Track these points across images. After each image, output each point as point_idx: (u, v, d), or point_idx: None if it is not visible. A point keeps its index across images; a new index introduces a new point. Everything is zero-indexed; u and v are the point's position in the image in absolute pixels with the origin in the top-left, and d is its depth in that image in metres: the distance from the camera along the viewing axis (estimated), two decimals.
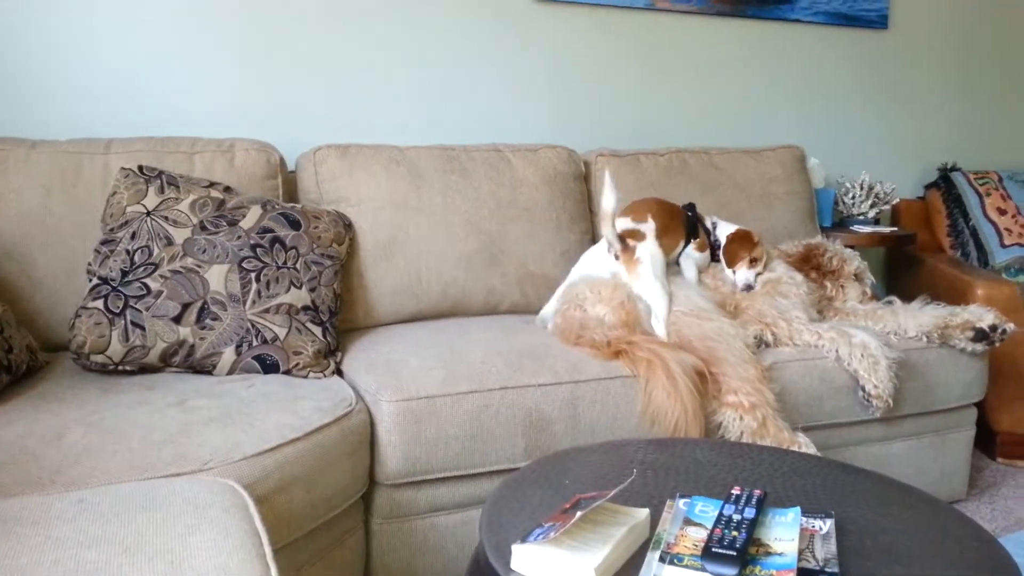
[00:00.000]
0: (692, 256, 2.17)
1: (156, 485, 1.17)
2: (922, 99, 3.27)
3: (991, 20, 3.32)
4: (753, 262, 2.16)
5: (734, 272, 2.16)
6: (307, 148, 2.25)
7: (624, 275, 2.00)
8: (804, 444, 1.81)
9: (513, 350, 1.84)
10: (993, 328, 2.10)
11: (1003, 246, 2.96)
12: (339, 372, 1.83)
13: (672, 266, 2.14)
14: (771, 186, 2.65)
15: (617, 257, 2.01)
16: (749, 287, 2.14)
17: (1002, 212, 3.03)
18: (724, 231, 2.23)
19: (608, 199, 1.96)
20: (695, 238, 2.18)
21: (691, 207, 2.23)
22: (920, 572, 1.09)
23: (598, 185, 2.50)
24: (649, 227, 2.05)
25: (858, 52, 3.13)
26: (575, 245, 2.34)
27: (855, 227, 2.85)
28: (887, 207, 2.92)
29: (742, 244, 2.18)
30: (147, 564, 0.93)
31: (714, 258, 2.23)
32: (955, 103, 3.33)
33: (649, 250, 2.00)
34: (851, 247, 2.41)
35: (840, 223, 2.92)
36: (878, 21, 3.11)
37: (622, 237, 2.02)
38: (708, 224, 2.25)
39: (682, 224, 2.17)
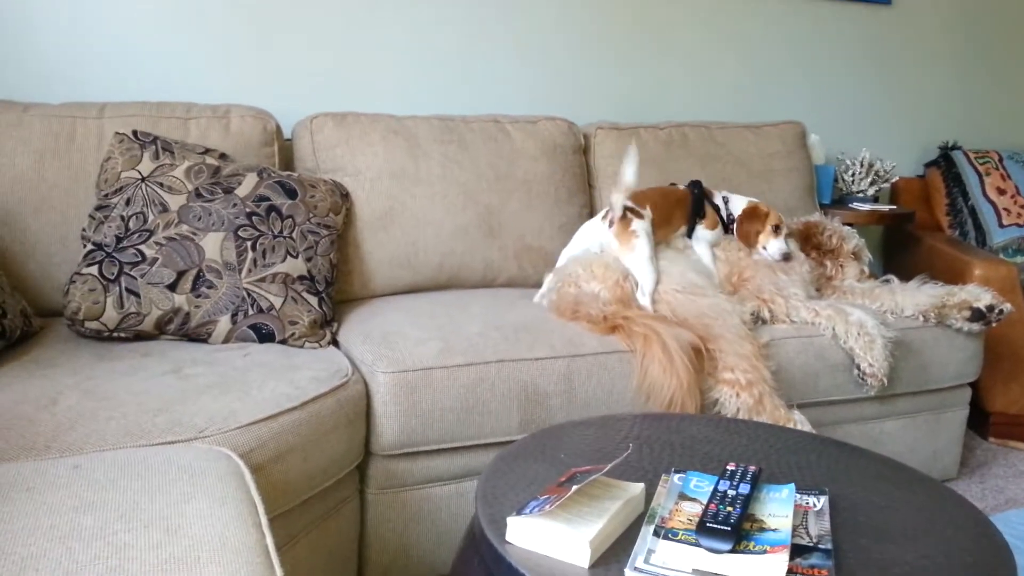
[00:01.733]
0: (703, 236, 2.15)
1: (151, 452, 1.17)
2: (924, 77, 3.25)
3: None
4: (776, 230, 2.14)
5: (764, 249, 2.14)
6: (304, 116, 2.22)
7: (614, 245, 1.99)
8: (799, 422, 1.82)
9: (510, 323, 1.83)
10: (990, 308, 2.10)
11: (1001, 226, 2.96)
12: (335, 343, 1.83)
13: (673, 245, 2.13)
14: (771, 162, 2.64)
15: (611, 225, 2.00)
16: (787, 256, 2.12)
17: (1001, 192, 3.02)
18: (737, 205, 2.21)
19: (629, 172, 1.95)
20: (701, 216, 2.16)
21: (697, 184, 2.21)
22: (913, 550, 1.10)
23: (597, 159, 2.48)
24: (647, 213, 2.03)
25: (861, 28, 3.10)
26: (573, 218, 2.33)
27: (854, 204, 2.84)
28: (887, 185, 2.91)
29: (752, 220, 2.16)
30: (143, 531, 0.93)
31: (728, 231, 2.21)
32: (957, 81, 3.30)
33: (645, 228, 1.99)
34: (850, 225, 2.41)
35: (839, 200, 2.91)
36: None
37: (626, 208, 2.01)
38: (719, 200, 2.22)
39: (684, 211, 2.14)
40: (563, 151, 2.38)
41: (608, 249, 2.01)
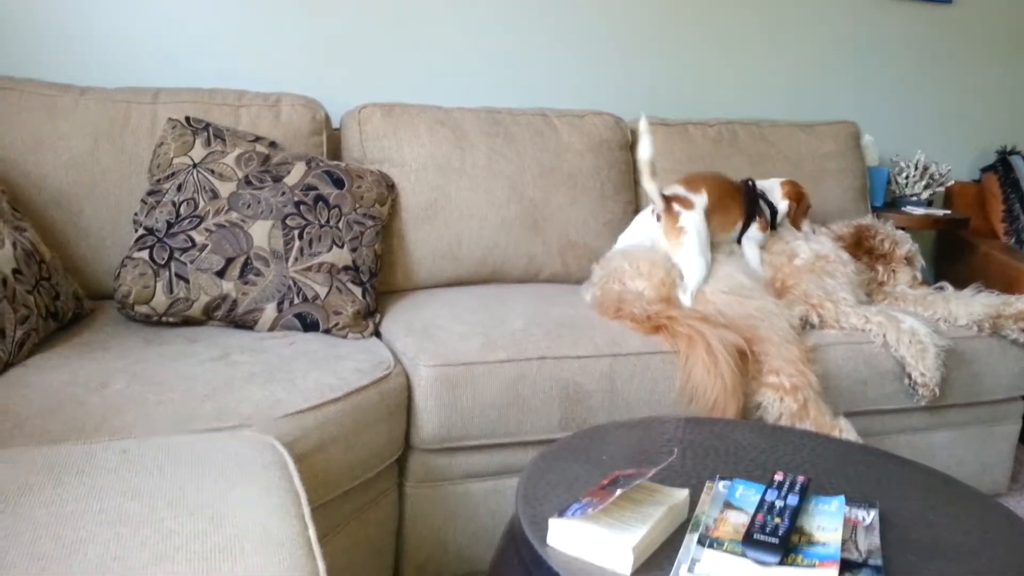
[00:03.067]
0: (754, 237, 2.12)
1: (198, 439, 1.18)
2: (983, 78, 3.15)
3: None
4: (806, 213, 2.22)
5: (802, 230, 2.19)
6: (352, 106, 2.23)
7: (663, 241, 1.96)
8: (845, 429, 1.78)
9: (552, 320, 1.82)
10: None
11: None
12: (378, 334, 1.83)
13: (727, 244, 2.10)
14: (823, 162, 2.58)
15: (659, 218, 1.97)
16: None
17: None
18: (773, 193, 2.19)
19: (644, 147, 1.92)
20: (758, 216, 2.12)
21: (750, 183, 2.17)
22: (964, 568, 1.06)
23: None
24: (700, 199, 2.00)
25: (919, 27, 3.02)
26: (618, 215, 2.30)
27: (907, 208, 2.77)
28: (941, 189, 2.83)
29: (803, 201, 2.20)
30: (188, 519, 0.94)
31: (772, 226, 2.18)
32: (1017, 83, 3.20)
33: (694, 221, 1.96)
34: (902, 229, 2.35)
35: (892, 203, 2.85)
36: None
37: (668, 199, 1.97)
38: (764, 195, 2.18)
39: (740, 205, 2.10)
40: (609, 146, 2.36)
41: (658, 245, 1.98)
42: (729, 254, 2.07)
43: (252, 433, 1.27)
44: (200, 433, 1.25)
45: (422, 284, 2.14)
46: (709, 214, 1.99)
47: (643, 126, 1.93)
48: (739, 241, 2.12)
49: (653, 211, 2.01)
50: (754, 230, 2.12)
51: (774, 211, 2.16)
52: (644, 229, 2.04)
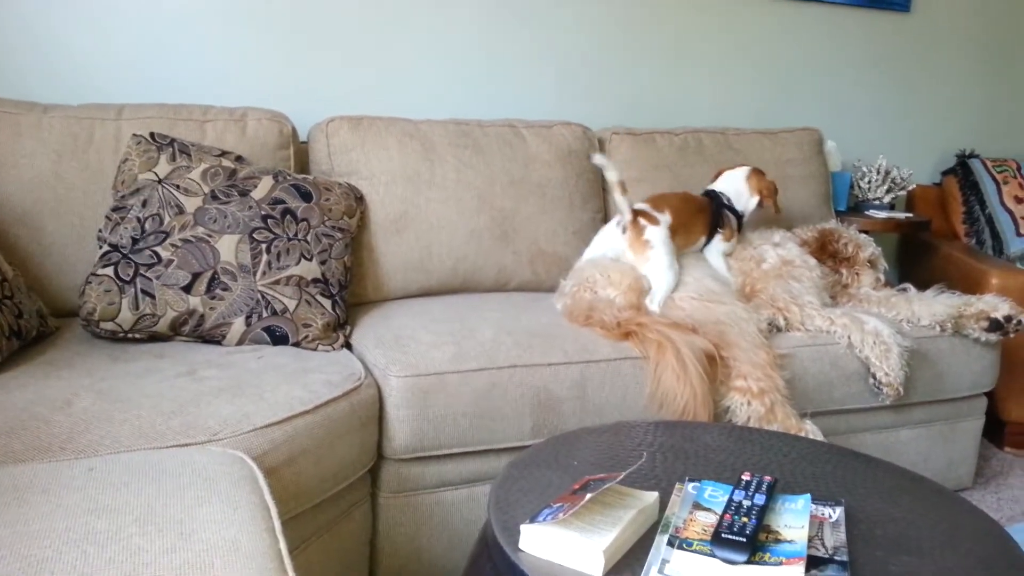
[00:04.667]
0: (719, 248, 2.15)
1: (165, 455, 1.17)
2: (942, 84, 3.22)
3: (1015, 7, 3.26)
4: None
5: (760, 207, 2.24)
6: (320, 119, 2.23)
7: (628, 254, 1.99)
8: (811, 432, 1.80)
9: (523, 329, 1.83)
10: (1008, 319, 2.08)
11: (1019, 235, 2.93)
12: (348, 346, 1.83)
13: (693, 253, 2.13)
14: (787, 168, 2.62)
15: (624, 230, 2.00)
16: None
17: (1019, 200, 2.99)
18: (734, 187, 2.22)
19: (610, 172, 1.97)
20: (721, 228, 2.15)
21: (713, 194, 2.19)
22: (929, 562, 1.09)
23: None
24: (664, 219, 2.02)
25: (879, 35, 3.08)
26: (587, 224, 2.32)
27: (870, 212, 2.82)
28: (903, 192, 2.89)
29: (774, 191, 2.24)
30: (157, 535, 0.93)
31: (739, 228, 2.21)
32: (975, 89, 3.28)
33: (660, 236, 1.99)
34: (866, 232, 2.39)
35: (855, 208, 2.90)
36: (901, 4, 3.06)
37: (635, 212, 2.00)
38: (729, 203, 2.20)
39: (705, 220, 2.13)
40: (578, 156, 2.38)
41: (623, 258, 2.00)
42: (698, 259, 2.10)
43: (221, 448, 1.27)
44: (168, 449, 1.24)
45: (393, 295, 2.14)
46: (673, 233, 2.02)
47: (599, 159, 2.01)
48: (703, 249, 2.15)
49: (618, 223, 2.04)
50: (717, 241, 2.15)
51: (740, 217, 2.19)
52: (608, 242, 2.06)
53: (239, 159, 1.94)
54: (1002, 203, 2.99)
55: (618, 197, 1.98)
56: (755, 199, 2.21)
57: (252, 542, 0.96)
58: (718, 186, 2.23)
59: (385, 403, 1.64)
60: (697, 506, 1.15)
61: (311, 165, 2.19)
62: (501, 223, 2.22)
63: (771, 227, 2.30)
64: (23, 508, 0.97)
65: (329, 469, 1.48)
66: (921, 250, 3.03)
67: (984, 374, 2.19)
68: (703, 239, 2.14)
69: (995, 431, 2.64)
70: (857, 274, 2.25)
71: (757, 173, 2.23)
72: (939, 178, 3.22)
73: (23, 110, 1.92)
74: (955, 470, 2.27)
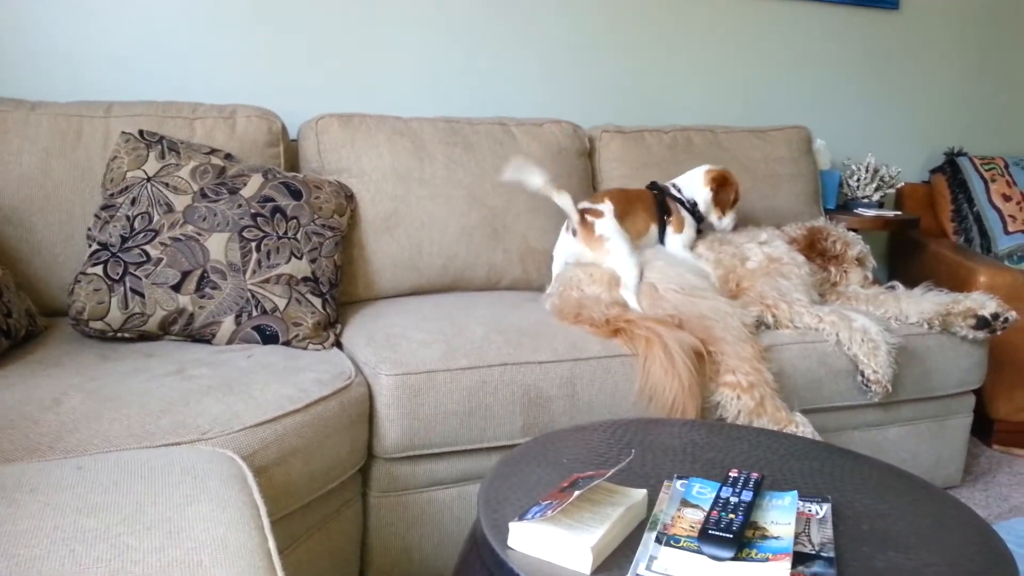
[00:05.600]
0: (677, 239, 2.16)
1: (155, 454, 1.17)
2: (930, 82, 3.24)
3: (1003, 5, 3.28)
4: (734, 203, 2.23)
5: (720, 220, 2.22)
6: (309, 116, 2.23)
7: (588, 253, 2.00)
8: (801, 424, 1.81)
9: (513, 327, 1.83)
10: (995, 316, 2.09)
11: (1007, 233, 2.95)
12: (339, 344, 1.83)
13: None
14: (776, 166, 2.64)
15: (575, 233, 2.01)
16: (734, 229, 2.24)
17: (1007, 198, 3.01)
18: (691, 185, 2.21)
19: (534, 178, 1.93)
20: (668, 216, 2.16)
21: (654, 185, 2.21)
22: (915, 558, 1.09)
23: (602, 162, 2.48)
24: (607, 207, 2.04)
25: (868, 33, 3.10)
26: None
27: (859, 210, 2.83)
28: (892, 191, 2.90)
29: (727, 188, 2.21)
30: (145, 533, 0.93)
31: (698, 219, 2.21)
32: (963, 87, 3.30)
33: (611, 226, 2.00)
34: (854, 230, 2.40)
35: (844, 205, 2.91)
36: (889, 1, 3.07)
37: (582, 212, 2.01)
38: (678, 193, 2.20)
39: (648, 209, 2.14)
40: (568, 154, 2.38)
41: (583, 259, 2.02)
42: (671, 255, 2.11)
43: (210, 447, 1.27)
44: (157, 448, 1.24)
45: (383, 294, 2.14)
46: (621, 219, 2.03)
47: (516, 164, 1.95)
48: (663, 243, 2.17)
49: (567, 228, 2.06)
50: (669, 232, 2.16)
51: (692, 205, 2.20)
52: (566, 249, 2.08)
53: (228, 157, 1.94)
54: (990, 201, 3.01)
55: (558, 198, 1.98)
56: (707, 189, 2.20)
57: (241, 540, 0.96)
58: (672, 180, 2.24)
59: (375, 402, 1.64)
60: (685, 503, 1.15)
61: (301, 163, 2.19)
62: (491, 221, 2.22)
63: (760, 226, 2.31)
64: (12, 507, 0.97)
65: (319, 468, 1.48)
66: (910, 248, 3.04)
67: (972, 372, 2.20)
68: (654, 228, 2.14)
69: (984, 429, 2.65)
70: (845, 272, 2.26)
71: (719, 171, 2.22)
72: (928, 176, 3.24)
73: (10, 107, 1.91)
74: (944, 468, 2.28)
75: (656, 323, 1.83)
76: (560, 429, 1.48)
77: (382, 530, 1.69)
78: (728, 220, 2.23)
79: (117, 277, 1.68)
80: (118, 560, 0.88)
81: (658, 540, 1.06)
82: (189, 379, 1.48)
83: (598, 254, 1.99)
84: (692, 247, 2.18)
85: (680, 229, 2.17)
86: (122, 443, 1.27)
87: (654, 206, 2.16)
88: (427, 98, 2.55)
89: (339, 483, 1.57)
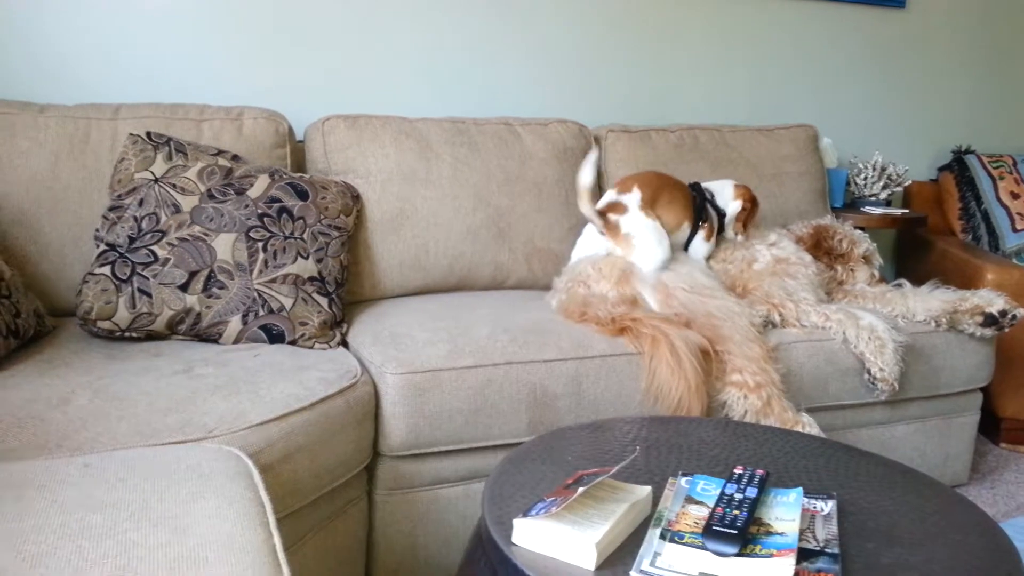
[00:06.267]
0: (699, 249, 2.14)
1: (161, 452, 1.18)
2: (938, 80, 3.23)
3: (1010, 2, 3.26)
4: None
5: (737, 235, 2.20)
6: (316, 118, 2.24)
7: (618, 251, 2.00)
8: (808, 424, 1.81)
9: (518, 325, 1.84)
10: (1003, 313, 2.08)
11: (1015, 230, 2.94)
12: (345, 344, 1.84)
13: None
14: (783, 165, 2.63)
15: (603, 234, 2.01)
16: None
17: (1015, 196, 3.00)
18: (722, 195, 2.19)
19: (585, 175, 1.95)
20: (704, 222, 2.13)
21: (696, 186, 2.18)
22: (920, 555, 1.09)
23: (608, 161, 2.48)
24: (632, 198, 2.02)
25: (874, 31, 3.09)
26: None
27: (866, 208, 2.83)
28: (899, 189, 2.89)
29: (756, 209, 2.20)
30: (151, 530, 0.94)
31: (720, 230, 2.20)
32: (971, 85, 3.28)
33: (635, 221, 1.99)
34: (861, 229, 2.40)
35: (851, 204, 2.90)
36: (896, 0, 3.06)
37: (602, 213, 2.01)
38: (713, 199, 2.19)
39: (685, 202, 2.10)
40: (573, 153, 2.39)
41: (615, 254, 2.01)
42: (684, 256, 2.11)
43: (216, 445, 1.27)
44: (164, 446, 1.25)
45: (389, 294, 2.14)
46: (652, 207, 2.02)
47: (589, 158, 1.98)
48: (686, 248, 2.15)
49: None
50: (699, 239, 2.13)
51: (722, 216, 2.18)
52: (594, 244, 2.07)
53: (235, 158, 1.95)
54: (998, 199, 3.00)
55: (584, 207, 1.99)
56: (737, 203, 2.18)
57: (246, 537, 0.96)
58: (705, 183, 2.23)
59: (381, 400, 1.65)
60: (689, 500, 1.15)
61: (307, 164, 2.20)
62: (497, 221, 2.23)
63: (766, 224, 2.30)
64: (19, 504, 0.98)
65: (325, 466, 1.49)
66: (917, 246, 3.03)
67: (979, 369, 2.19)
68: (686, 227, 2.11)
69: (991, 427, 2.64)
70: (852, 270, 2.26)
71: (748, 188, 2.22)
72: (935, 174, 3.23)
73: (19, 110, 1.92)
74: (951, 466, 2.27)
75: (663, 322, 1.83)
76: (565, 427, 1.48)
77: (387, 528, 1.69)
78: (741, 238, 2.20)
79: (125, 277, 1.70)
80: (124, 556, 0.89)
81: (662, 536, 1.06)
82: (196, 378, 1.49)
83: (627, 251, 1.99)
84: (709, 257, 2.17)
85: (710, 238, 2.15)
86: (129, 441, 1.28)
87: (691, 205, 2.12)
88: (433, 99, 2.56)
89: (345, 481, 1.58)
